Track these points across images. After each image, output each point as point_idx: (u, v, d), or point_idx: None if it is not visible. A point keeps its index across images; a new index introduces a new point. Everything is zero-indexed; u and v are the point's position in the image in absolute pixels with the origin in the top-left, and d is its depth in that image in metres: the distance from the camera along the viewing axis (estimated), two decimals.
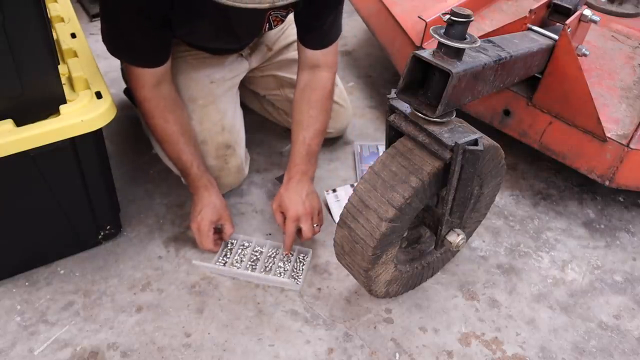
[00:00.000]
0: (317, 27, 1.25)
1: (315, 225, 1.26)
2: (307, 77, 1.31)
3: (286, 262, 1.26)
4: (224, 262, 1.25)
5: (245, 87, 1.59)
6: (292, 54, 1.51)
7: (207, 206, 1.24)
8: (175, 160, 1.25)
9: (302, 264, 1.26)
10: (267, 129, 1.68)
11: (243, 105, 1.51)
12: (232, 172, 1.38)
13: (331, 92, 1.33)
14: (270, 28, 1.34)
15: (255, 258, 1.27)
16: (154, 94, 1.19)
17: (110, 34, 1.15)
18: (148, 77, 1.17)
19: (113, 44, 1.16)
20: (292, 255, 1.28)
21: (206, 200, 1.25)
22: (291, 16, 1.51)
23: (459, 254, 1.32)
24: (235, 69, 1.43)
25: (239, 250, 1.28)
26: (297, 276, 1.24)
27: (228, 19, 1.19)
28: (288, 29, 1.52)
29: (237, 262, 1.25)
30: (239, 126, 1.41)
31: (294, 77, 1.50)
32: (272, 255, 1.28)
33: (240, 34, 1.32)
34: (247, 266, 1.25)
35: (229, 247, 1.29)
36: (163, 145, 1.25)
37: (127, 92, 1.52)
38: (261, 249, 1.29)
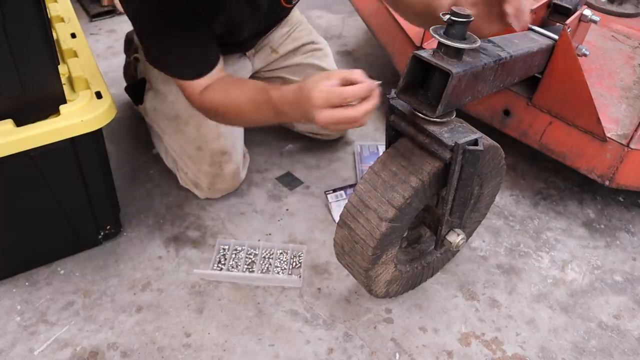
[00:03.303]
0: None
1: None
2: None
3: (282, 261, 1.26)
4: (219, 269, 1.25)
5: None
6: (299, 58, 1.50)
7: (306, 79, 0.92)
8: (256, 112, 1.04)
9: (299, 259, 1.27)
10: (267, 129, 1.68)
11: None
12: (227, 179, 1.38)
13: None
14: (289, 2, 1.30)
15: (250, 261, 1.27)
16: (205, 97, 1.11)
17: (159, 51, 1.10)
18: (196, 86, 1.10)
19: (163, 62, 1.11)
20: (287, 253, 1.28)
21: (298, 83, 0.94)
22: (295, 17, 1.50)
23: (459, 254, 1.32)
24: (237, 72, 1.42)
25: (233, 255, 1.28)
26: (296, 273, 1.24)
27: None
28: (294, 32, 1.51)
29: (232, 267, 1.25)
30: (237, 131, 1.38)
31: None
32: (267, 257, 1.28)
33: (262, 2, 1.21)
34: (244, 269, 1.24)
35: (222, 254, 1.28)
36: (244, 116, 1.08)
37: (129, 89, 1.52)
38: (255, 251, 1.29)
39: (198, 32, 1.07)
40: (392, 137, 1.04)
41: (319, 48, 1.54)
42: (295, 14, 1.53)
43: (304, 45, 1.51)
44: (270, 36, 1.47)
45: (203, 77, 1.09)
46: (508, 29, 1.30)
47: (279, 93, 0.97)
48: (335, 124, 0.87)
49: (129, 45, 1.66)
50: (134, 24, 1.12)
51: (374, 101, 0.87)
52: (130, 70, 1.62)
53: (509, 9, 0.94)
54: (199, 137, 1.31)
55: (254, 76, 1.54)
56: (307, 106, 0.88)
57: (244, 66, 1.44)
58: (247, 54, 1.44)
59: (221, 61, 1.13)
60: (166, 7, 1.01)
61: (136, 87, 1.45)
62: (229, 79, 1.13)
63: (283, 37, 1.49)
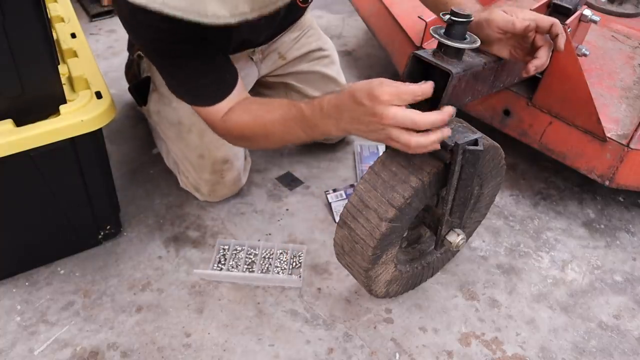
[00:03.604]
0: None
1: None
2: None
3: (282, 261, 1.26)
4: (219, 269, 1.25)
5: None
6: (306, 65, 1.49)
7: (352, 86, 0.85)
8: (285, 130, 0.99)
9: (299, 259, 1.27)
10: None
11: None
12: (227, 186, 1.37)
13: None
14: (305, 2, 1.29)
15: (250, 261, 1.27)
16: (229, 121, 1.07)
17: (173, 81, 1.07)
18: (216, 111, 1.06)
19: (180, 92, 1.08)
20: (287, 253, 1.28)
21: (339, 93, 0.88)
22: (306, 20, 1.49)
23: (459, 254, 1.32)
24: (243, 78, 1.37)
25: (233, 255, 1.28)
26: (296, 273, 1.24)
27: None
28: (303, 38, 1.49)
29: (232, 267, 1.25)
30: None
31: (308, 89, 1.48)
32: (267, 257, 1.28)
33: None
34: (244, 269, 1.24)
35: (222, 254, 1.28)
36: (272, 136, 1.02)
37: (132, 89, 1.51)
38: (255, 251, 1.29)
39: (211, 57, 1.04)
40: None
41: (326, 55, 1.53)
42: (307, 16, 1.51)
43: (311, 52, 1.49)
44: (279, 41, 1.45)
45: (223, 101, 1.05)
46: None
47: (309, 105, 0.93)
48: (407, 122, 0.82)
49: (132, 42, 1.66)
50: (144, 54, 1.09)
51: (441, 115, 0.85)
52: (132, 69, 1.61)
53: (531, 66, 1.00)
54: (202, 145, 1.30)
55: (259, 81, 1.54)
56: (368, 105, 0.81)
57: (250, 72, 1.41)
58: (254, 59, 1.41)
59: (240, 81, 1.08)
60: (174, 37, 0.97)
61: (140, 86, 1.43)
62: (251, 100, 1.10)
63: (292, 42, 1.48)
